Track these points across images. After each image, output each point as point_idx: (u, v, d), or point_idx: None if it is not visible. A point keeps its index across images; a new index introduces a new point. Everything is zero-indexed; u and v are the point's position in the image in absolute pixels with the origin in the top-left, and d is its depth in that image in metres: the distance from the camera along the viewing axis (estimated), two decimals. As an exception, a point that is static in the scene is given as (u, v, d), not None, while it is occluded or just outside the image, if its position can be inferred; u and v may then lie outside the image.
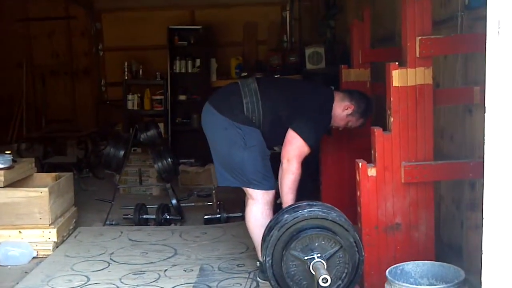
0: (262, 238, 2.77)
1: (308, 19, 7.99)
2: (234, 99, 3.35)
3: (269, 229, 2.66)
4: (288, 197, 3.25)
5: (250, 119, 3.31)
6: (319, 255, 2.43)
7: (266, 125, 3.33)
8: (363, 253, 2.50)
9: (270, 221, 2.80)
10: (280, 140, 3.33)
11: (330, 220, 2.49)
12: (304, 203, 2.71)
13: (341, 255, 2.46)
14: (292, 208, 2.70)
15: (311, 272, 2.42)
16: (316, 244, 2.45)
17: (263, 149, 3.33)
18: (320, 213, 2.53)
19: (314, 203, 2.72)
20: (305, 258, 2.44)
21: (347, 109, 3.43)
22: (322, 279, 2.31)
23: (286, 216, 2.58)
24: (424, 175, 2.69)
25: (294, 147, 3.26)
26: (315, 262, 2.41)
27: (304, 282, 2.47)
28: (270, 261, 2.49)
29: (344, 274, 2.48)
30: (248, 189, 3.33)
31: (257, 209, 3.30)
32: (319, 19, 7.14)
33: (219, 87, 3.61)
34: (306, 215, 2.53)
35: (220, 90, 3.55)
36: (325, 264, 2.41)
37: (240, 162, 3.27)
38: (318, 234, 2.46)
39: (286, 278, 2.46)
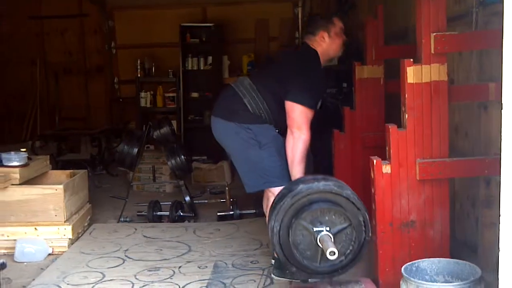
0: (272, 204, 2.74)
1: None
2: (235, 102, 3.32)
3: (281, 196, 2.63)
4: (300, 167, 3.18)
5: (259, 115, 3.28)
6: (328, 228, 2.43)
7: (275, 113, 3.28)
8: (370, 234, 2.50)
9: (282, 189, 2.77)
10: None
11: (344, 197, 2.47)
12: (320, 177, 2.69)
13: (348, 232, 2.46)
14: (307, 180, 2.68)
15: (317, 244, 2.42)
16: (326, 218, 2.45)
17: (279, 143, 3.28)
18: (335, 188, 2.51)
19: (329, 177, 2.71)
20: (314, 229, 2.44)
21: (323, 38, 3.39)
22: (329, 252, 2.32)
23: (301, 186, 2.56)
24: (439, 172, 2.68)
25: (298, 115, 3.19)
26: (323, 235, 2.41)
27: (308, 252, 2.47)
28: (278, 227, 2.48)
29: (348, 251, 2.47)
30: (270, 188, 3.32)
31: None
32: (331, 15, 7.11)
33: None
34: (321, 187, 2.52)
35: (219, 100, 3.52)
36: (332, 238, 2.41)
37: (260, 161, 3.24)
38: (329, 208, 2.45)
39: (291, 246, 2.46)
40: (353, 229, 2.46)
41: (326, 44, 3.41)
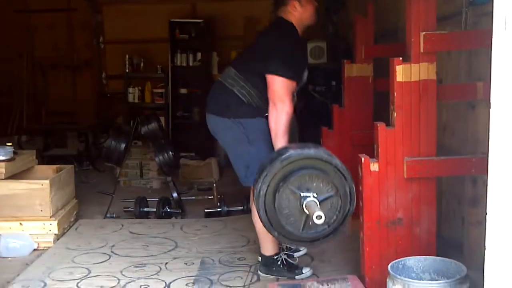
0: (260, 167, 2.68)
1: (309, 14, 7.96)
2: (226, 95, 3.27)
3: (270, 160, 2.59)
4: (284, 139, 3.12)
5: (252, 104, 3.22)
6: (314, 194, 2.42)
7: (265, 94, 3.19)
8: (355, 205, 2.49)
9: (272, 153, 2.74)
10: None
11: (333, 166, 2.46)
12: (311, 144, 2.66)
13: (334, 201, 2.43)
14: (298, 146, 2.66)
15: (303, 210, 2.40)
16: (314, 184, 2.42)
17: (267, 137, 3.20)
18: (326, 156, 2.49)
19: (320, 146, 2.70)
20: (302, 194, 2.42)
21: (294, 7, 3.32)
22: (316, 216, 2.30)
23: (291, 151, 2.54)
24: (427, 170, 2.70)
25: (278, 87, 3.11)
26: (309, 200, 2.39)
27: (292, 218, 2.45)
28: (265, 190, 2.45)
29: (332, 220, 2.45)
30: None
31: None
32: (322, 14, 7.12)
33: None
34: (312, 154, 2.50)
35: (210, 96, 3.48)
36: (318, 204, 2.40)
37: (248, 158, 3.23)
38: (318, 175, 2.42)
39: (276, 210, 2.44)
40: (339, 198, 2.43)
41: (298, 13, 3.31)
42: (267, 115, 3.17)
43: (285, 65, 3.13)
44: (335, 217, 2.45)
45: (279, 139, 3.12)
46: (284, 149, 2.65)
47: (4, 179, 4.12)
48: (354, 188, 2.48)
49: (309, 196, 2.40)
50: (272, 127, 3.15)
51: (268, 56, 3.16)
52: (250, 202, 3.45)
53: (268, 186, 2.46)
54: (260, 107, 3.22)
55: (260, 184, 2.47)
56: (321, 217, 2.30)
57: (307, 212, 2.38)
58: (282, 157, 2.49)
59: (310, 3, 3.35)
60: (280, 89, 3.11)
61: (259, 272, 3.42)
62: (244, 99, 3.22)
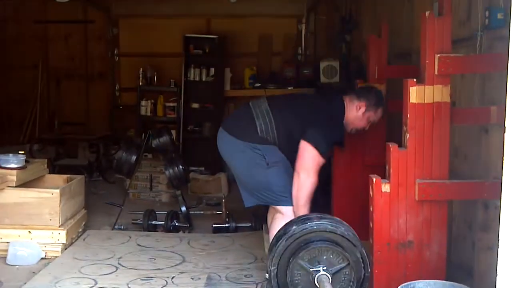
0: (269, 248, 2.77)
1: (323, 33, 8.01)
2: (247, 122, 3.37)
3: (276, 239, 2.65)
4: (304, 209, 3.23)
5: (265, 138, 3.33)
6: (325, 268, 2.43)
7: (282, 143, 3.35)
8: (369, 270, 2.49)
9: (279, 231, 2.78)
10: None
11: (339, 234, 2.48)
12: (313, 215, 2.70)
13: (347, 272, 2.46)
14: (301, 220, 2.69)
15: (315, 284, 2.41)
16: (324, 257, 2.45)
17: (287, 164, 3.34)
18: (329, 226, 2.52)
19: (323, 216, 2.71)
20: (311, 269, 2.43)
21: (360, 108, 3.45)
22: None
23: (294, 227, 2.58)
24: (439, 193, 2.68)
25: (309, 157, 3.26)
26: (320, 275, 2.40)
27: None
28: (275, 271, 2.49)
29: None
30: (277, 206, 3.34)
31: None
32: (335, 33, 7.16)
33: (233, 99, 3.58)
34: (315, 227, 2.52)
35: (233, 114, 3.60)
36: (330, 277, 2.40)
37: (265, 181, 3.28)
38: (327, 248, 2.46)
39: (289, 287, 2.46)
40: (352, 269, 2.46)
41: (355, 115, 3.47)
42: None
43: (323, 141, 3.28)
44: None
45: (300, 208, 3.23)
46: (288, 225, 2.69)
47: (15, 187, 4.15)
48: (365, 253, 2.49)
49: (319, 270, 2.42)
50: (294, 193, 3.28)
51: (313, 126, 3.29)
52: (268, 221, 3.51)
53: (278, 266, 2.49)
54: (272, 143, 3.33)
55: (270, 266, 2.51)
56: None
57: (319, 286, 2.40)
58: (286, 235, 2.54)
59: (367, 121, 3.51)
60: (309, 160, 3.26)
61: (265, 290, 3.40)
62: (259, 131, 3.33)
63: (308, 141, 3.27)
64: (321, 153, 3.27)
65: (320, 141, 3.28)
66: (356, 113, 3.45)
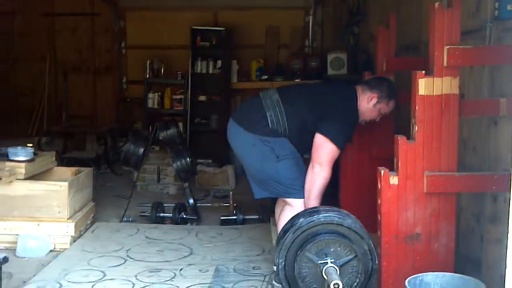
0: (277, 240, 2.78)
1: (330, 25, 7.98)
2: (257, 114, 3.35)
3: (284, 232, 2.66)
4: (315, 202, 3.23)
5: (276, 130, 3.32)
6: (332, 260, 2.44)
7: (293, 134, 3.33)
8: (377, 262, 2.49)
9: (286, 224, 2.79)
10: (309, 147, 3.33)
11: (346, 227, 2.49)
12: (320, 208, 2.71)
13: (355, 264, 2.46)
14: (308, 212, 2.70)
15: (323, 276, 2.41)
16: (332, 249, 2.46)
17: (297, 156, 3.34)
18: (336, 218, 2.52)
19: (330, 208, 2.72)
20: (319, 261, 2.44)
21: (371, 99, 3.42)
22: (333, 284, 2.32)
23: (301, 220, 2.58)
24: (447, 186, 2.67)
25: (326, 152, 3.25)
26: (328, 267, 2.41)
27: (314, 286, 2.48)
28: (283, 263, 2.50)
29: (355, 284, 2.47)
30: (287, 199, 3.34)
31: None
32: (342, 25, 7.13)
33: (241, 90, 3.57)
34: (322, 219, 2.53)
35: (243, 105, 3.58)
36: (338, 270, 2.40)
37: (275, 174, 3.28)
38: (334, 240, 2.46)
39: (297, 279, 2.48)
40: (359, 260, 2.46)
41: (366, 106, 3.43)
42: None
43: (340, 135, 3.28)
44: (357, 280, 2.48)
45: (311, 201, 3.23)
46: (295, 218, 2.70)
47: (24, 179, 4.17)
48: (372, 245, 2.50)
49: (327, 263, 2.43)
50: (307, 187, 3.28)
51: (328, 117, 3.27)
52: (276, 214, 3.52)
53: (285, 258, 2.51)
54: (283, 135, 3.31)
55: (277, 259, 2.53)
56: (338, 285, 2.33)
57: (326, 278, 2.41)
58: (293, 228, 2.55)
59: (378, 112, 3.46)
60: (325, 155, 3.25)
61: (273, 282, 3.40)
62: (270, 123, 3.31)
63: (325, 135, 3.25)
64: (338, 147, 3.27)
65: (338, 134, 3.27)
66: (367, 104, 3.42)
